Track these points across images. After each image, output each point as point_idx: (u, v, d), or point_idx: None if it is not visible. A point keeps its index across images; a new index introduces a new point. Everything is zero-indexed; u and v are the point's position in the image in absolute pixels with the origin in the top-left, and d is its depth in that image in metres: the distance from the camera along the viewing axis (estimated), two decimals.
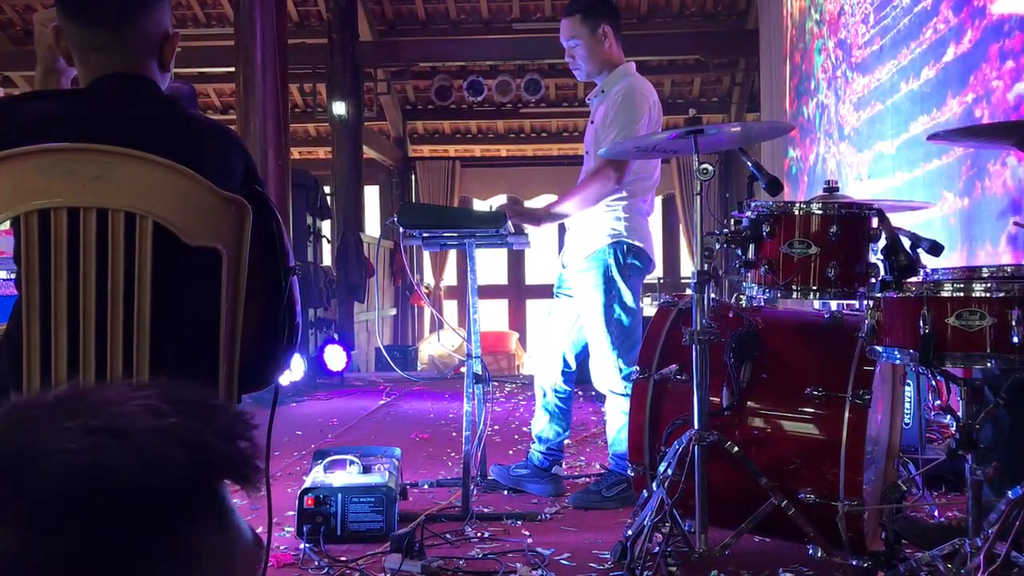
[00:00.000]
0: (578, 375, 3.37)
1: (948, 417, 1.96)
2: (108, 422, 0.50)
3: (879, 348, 2.02)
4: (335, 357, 6.89)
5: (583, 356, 3.29)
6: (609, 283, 3.13)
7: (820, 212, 2.20)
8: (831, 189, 2.36)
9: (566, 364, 3.32)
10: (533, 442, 3.38)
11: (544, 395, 3.35)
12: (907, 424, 3.03)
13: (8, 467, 0.47)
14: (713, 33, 10.02)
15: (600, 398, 3.28)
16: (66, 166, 1.40)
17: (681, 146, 2.44)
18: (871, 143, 4.80)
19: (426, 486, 3.39)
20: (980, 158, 3.49)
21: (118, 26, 1.56)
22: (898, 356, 1.97)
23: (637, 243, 3.16)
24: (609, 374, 3.15)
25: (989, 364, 1.85)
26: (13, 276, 1.76)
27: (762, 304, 2.43)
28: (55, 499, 0.46)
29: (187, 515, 0.50)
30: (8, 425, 0.49)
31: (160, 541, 0.49)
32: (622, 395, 3.11)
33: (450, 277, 13.13)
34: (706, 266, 2.24)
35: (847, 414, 2.17)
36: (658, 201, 3.36)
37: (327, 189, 8.65)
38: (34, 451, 0.48)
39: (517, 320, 13.55)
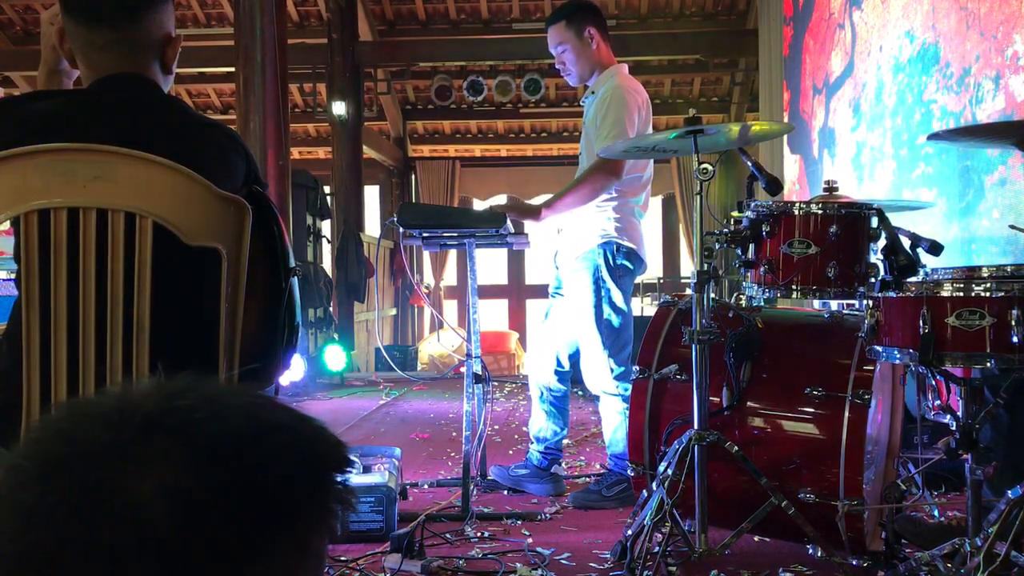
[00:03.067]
0: (572, 374, 3.38)
1: (948, 417, 1.96)
2: (272, 400, 0.62)
3: (879, 348, 2.02)
4: (335, 357, 6.89)
5: (577, 356, 3.30)
6: (599, 284, 3.13)
7: (820, 212, 2.20)
8: (831, 189, 2.36)
9: (559, 363, 3.32)
10: (531, 442, 3.38)
11: (540, 395, 3.35)
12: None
13: (194, 411, 0.56)
14: (713, 33, 10.02)
15: (598, 398, 3.28)
16: (66, 166, 1.40)
17: (681, 146, 2.44)
18: (871, 143, 4.80)
19: (426, 486, 3.39)
20: (980, 158, 3.49)
21: (121, 26, 1.56)
22: (898, 356, 1.97)
23: (628, 244, 3.16)
24: (601, 375, 3.15)
25: (989, 364, 1.85)
26: (13, 276, 1.76)
27: (762, 304, 2.43)
28: (228, 438, 0.55)
29: (309, 509, 0.59)
30: (192, 382, 0.59)
31: (290, 513, 0.57)
32: (615, 395, 3.12)
33: (450, 277, 13.13)
34: (706, 266, 2.24)
35: (847, 414, 2.17)
36: (657, 201, 3.35)
37: (327, 189, 8.65)
38: (215, 401, 0.58)
39: (517, 320, 13.55)
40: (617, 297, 3.14)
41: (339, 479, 0.61)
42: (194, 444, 0.54)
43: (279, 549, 0.56)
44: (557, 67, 3.37)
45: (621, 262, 3.16)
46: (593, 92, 3.28)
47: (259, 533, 0.55)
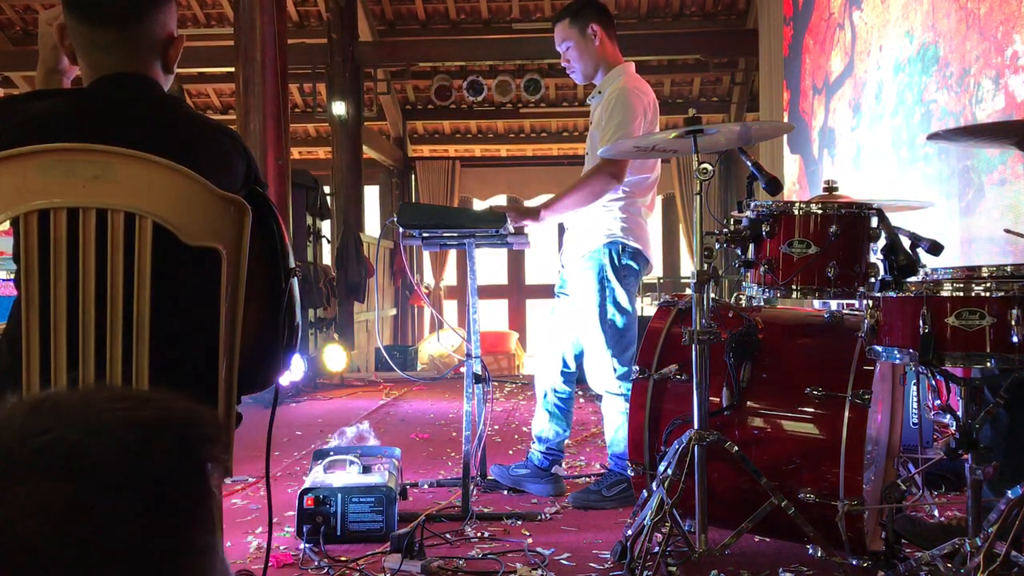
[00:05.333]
0: (578, 375, 3.37)
1: (948, 417, 1.96)
2: (134, 395, 0.63)
3: (879, 348, 2.02)
4: (335, 357, 6.89)
5: (582, 356, 3.30)
6: (604, 283, 3.13)
7: (820, 212, 2.20)
8: (831, 189, 2.35)
9: (565, 364, 3.32)
10: (533, 442, 3.38)
11: (544, 395, 3.35)
12: (915, 424, 3.03)
13: (58, 445, 0.55)
14: (713, 33, 10.02)
15: (600, 398, 3.28)
16: (66, 166, 1.40)
17: (681, 146, 2.44)
18: (871, 143, 4.80)
19: (426, 486, 3.39)
20: (980, 158, 3.49)
21: (124, 26, 1.56)
22: (898, 356, 1.97)
23: (633, 244, 3.16)
24: (604, 374, 3.15)
25: (989, 364, 1.85)
26: (13, 276, 1.76)
27: (762, 304, 2.43)
28: (109, 459, 0.55)
29: (199, 482, 0.60)
30: (52, 405, 0.58)
31: (184, 493, 0.59)
32: (617, 395, 3.12)
33: (450, 277, 13.13)
34: (706, 266, 2.24)
35: (847, 414, 2.17)
36: (658, 201, 3.34)
37: (327, 189, 8.65)
38: (81, 422, 0.57)
39: (517, 320, 13.55)
40: (622, 297, 3.14)
41: (214, 443, 0.62)
42: (75, 475, 0.54)
43: (185, 521, 0.58)
44: (563, 65, 3.37)
45: (626, 262, 3.15)
46: (600, 92, 3.27)
47: (167, 521, 0.56)
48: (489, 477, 3.39)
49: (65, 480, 0.54)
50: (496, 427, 4.75)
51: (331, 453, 2.94)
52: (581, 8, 3.27)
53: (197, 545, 0.58)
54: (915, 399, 3.02)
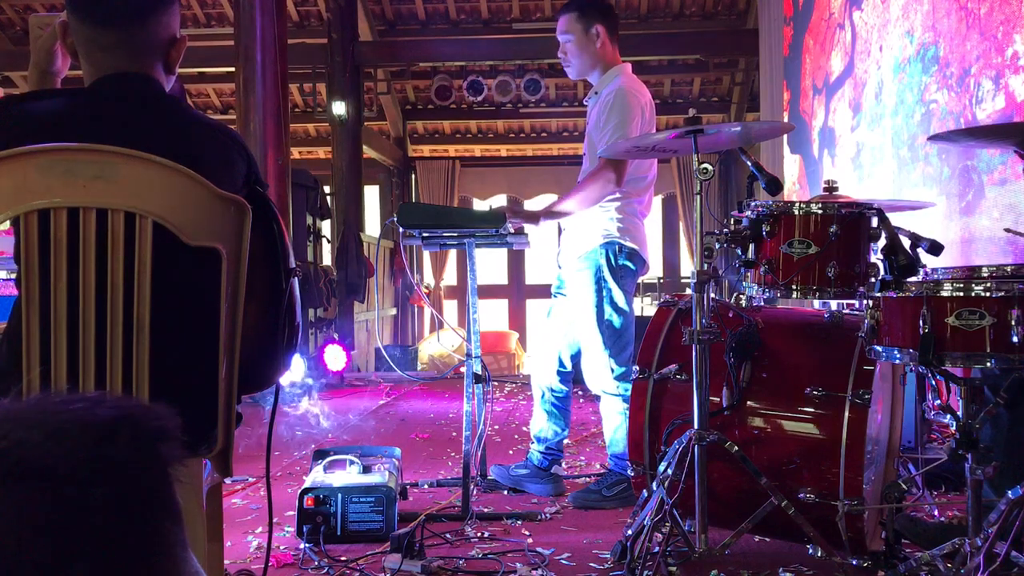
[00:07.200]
0: (574, 375, 3.38)
1: (948, 417, 1.96)
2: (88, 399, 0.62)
3: (879, 348, 2.02)
4: (335, 357, 6.89)
5: (579, 356, 3.30)
6: (600, 283, 3.13)
7: (820, 212, 2.20)
8: (831, 189, 2.35)
9: (561, 364, 3.32)
10: (532, 442, 3.38)
11: (542, 395, 3.35)
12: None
13: (23, 445, 0.55)
14: (713, 33, 10.02)
15: (599, 398, 3.28)
16: (66, 166, 1.40)
17: (681, 146, 2.44)
18: (871, 143, 4.80)
19: (426, 486, 3.39)
20: (980, 158, 3.49)
21: (127, 27, 1.56)
22: (898, 356, 1.97)
23: (630, 244, 3.16)
24: (602, 374, 3.15)
25: (989, 364, 1.85)
26: (13, 276, 1.76)
27: (762, 304, 2.43)
28: (74, 458, 0.55)
29: (160, 477, 0.60)
30: (12, 412, 0.58)
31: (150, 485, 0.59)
32: (615, 395, 3.12)
33: (450, 277, 13.14)
34: (706, 266, 2.24)
35: (847, 414, 2.17)
36: (658, 201, 3.34)
37: (327, 189, 8.65)
38: (38, 426, 0.57)
39: (517, 320, 13.55)
40: (619, 297, 3.14)
41: (172, 437, 0.63)
42: (39, 476, 0.54)
43: (152, 511, 0.58)
44: (559, 56, 3.37)
45: (623, 262, 3.16)
46: (596, 92, 3.28)
47: (135, 513, 0.57)
48: (489, 477, 3.39)
49: (30, 483, 0.53)
50: (496, 427, 4.75)
51: (331, 453, 2.94)
52: (589, 5, 3.27)
53: (166, 534, 0.58)
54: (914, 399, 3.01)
